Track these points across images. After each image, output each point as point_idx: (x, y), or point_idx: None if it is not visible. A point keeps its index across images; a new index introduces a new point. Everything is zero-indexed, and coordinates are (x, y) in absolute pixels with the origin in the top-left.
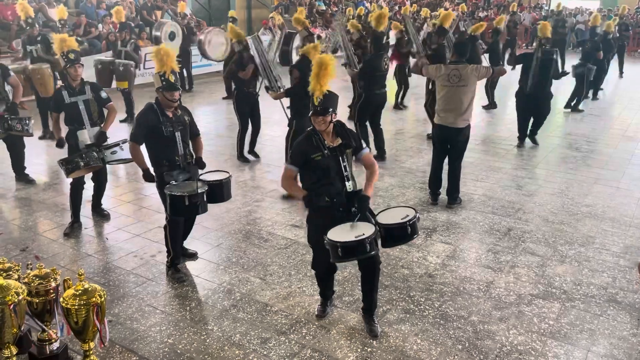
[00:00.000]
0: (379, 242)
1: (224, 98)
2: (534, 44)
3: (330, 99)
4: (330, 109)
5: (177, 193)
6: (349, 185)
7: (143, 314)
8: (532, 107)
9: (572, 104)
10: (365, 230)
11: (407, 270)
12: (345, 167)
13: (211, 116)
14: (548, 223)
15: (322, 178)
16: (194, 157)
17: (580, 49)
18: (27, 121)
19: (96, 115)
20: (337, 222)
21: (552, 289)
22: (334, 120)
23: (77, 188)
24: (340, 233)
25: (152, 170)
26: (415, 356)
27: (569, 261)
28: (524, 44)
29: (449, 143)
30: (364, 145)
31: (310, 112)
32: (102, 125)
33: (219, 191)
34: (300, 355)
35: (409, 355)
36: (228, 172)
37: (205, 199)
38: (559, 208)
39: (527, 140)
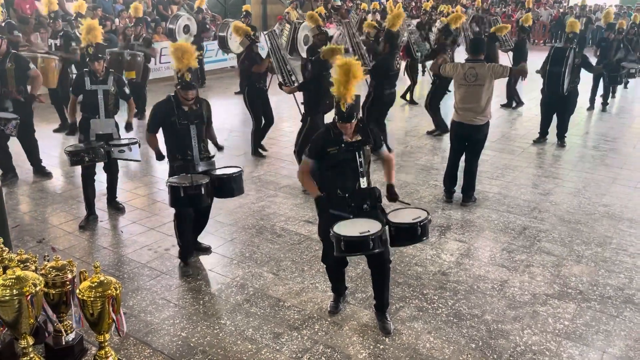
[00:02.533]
0: (388, 240)
1: (236, 93)
2: (560, 41)
3: (355, 103)
4: (356, 114)
5: (174, 184)
6: (362, 181)
7: (157, 307)
8: (558, 105)
9: (602, 102)
10: (371, 227)
11: (420, 267)
12: (360, 163)
13: (225, 111)
14: (564, 222)
15: (337, 172)
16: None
17: (598, 47)
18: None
19: (112, 107)
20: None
21: (568, 289)
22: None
23: (87, 180)
24: (348, 227)
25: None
26: (428, 354)
27: (585, 261)
28: (541, 42)
29: (466, 140)
30: (382, 143)
31: (337, 118)
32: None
33: (228, 185)
34: (312, 351)
35: (422, 353)
36: (240, 167)
37: (204, 192)
38: (575, 207)
39: (547, 138)
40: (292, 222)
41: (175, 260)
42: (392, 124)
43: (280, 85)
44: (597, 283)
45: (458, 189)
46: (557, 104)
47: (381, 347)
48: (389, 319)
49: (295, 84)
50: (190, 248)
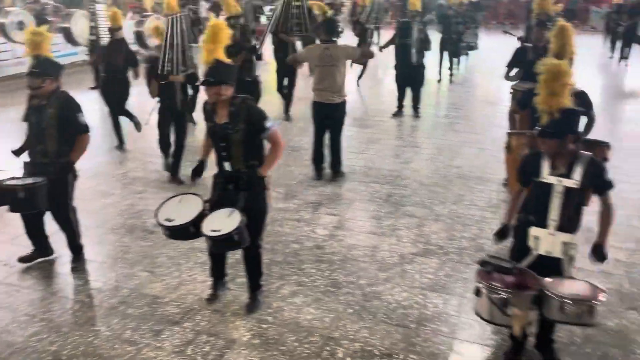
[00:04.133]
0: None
1: (91, 88)
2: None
3: (220, 70)
4: (217, 80)
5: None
6: (227, 165)
7: (19, 324)
8: (410, 78)
9: (449, 75)
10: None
11: (297, 245)
12: (223, 146)
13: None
14: (424, 186)
15: (215, 149)
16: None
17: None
18: None
19: None
20: (221, 198)
21: (430, 246)
22: (229, 94)
23: None
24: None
25: None
26: (309, 325)
27: (444, 219)
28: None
29: (327, 119)
30: (269, 124)
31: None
32: None
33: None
34: (195, 342)
35: (304, 326)
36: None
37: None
38: (432, 172)
39: (404, 111)
40: None
41: (36, 272)
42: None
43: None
44: (454, 237)
45: (327, 166)
46: (409, 78)
47: (264, 326)
48: (258, 298)
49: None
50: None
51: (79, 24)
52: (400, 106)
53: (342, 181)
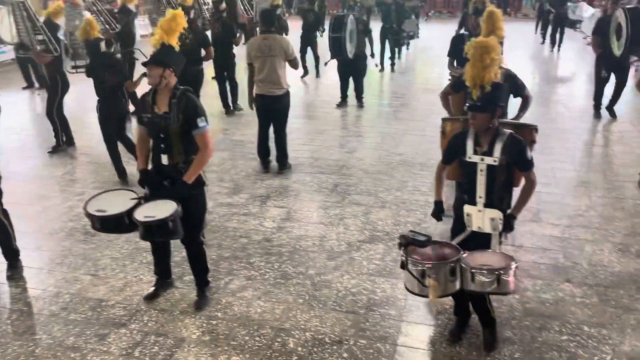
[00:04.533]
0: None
1: (24, 88)
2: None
3: (165, 52)
4: (159, 60)
5: None
6: (164, 158)
7: None
8: (350, 69)
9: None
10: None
11: (245, 239)
12: (162, 138)
13: (13, 110)
14: (369, 174)
15: (152, 141)
16: None
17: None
18: None
19: None
20: (156, 194)
21: (377, 232)
22: (172, 81)
23: None
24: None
25: None
26: (260, 318)
27: (389, 205)
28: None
29: (270, 111)
30: (201, 124)
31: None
32: None
33: None
34: (143, 343)
35: (254, 319)
36: None
37: None
38: (376, 160)
39: (348, 101)
40: None
41: None
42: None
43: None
44: (400, 222)
45: (273, 158)
46: (349, 68)
47: (214, 322)
48: (206, 295)
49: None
50: None
51: (4, 22)
52: (344, 96)
53: (288, 173)
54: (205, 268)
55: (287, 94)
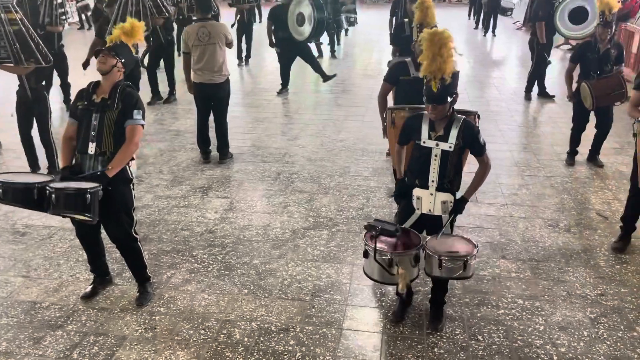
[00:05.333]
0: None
1: None
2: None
3: (122, 48)
4: (112, 52)
5: None
6: (91, 147)
7: None
8: (292, 55)
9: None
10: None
11: (187, 231)
12: (95, 126)
13: None
14: (311, 162)
15: (79, 131)
16: None
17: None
18: None
19: None
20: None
21: (320, 219)
22: (117, 74)
23: None
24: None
25: None
26: (204, 311)
27: (332, 192)
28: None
29: (211, 100)
30: (137, 116)
31: None
32: None
33: None
34: (82, 344)
35: (198, 312)
36: None
37: None
38: (319, 147)
39: (289, 88)
40: (39, 216)
41: None
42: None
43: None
44: (343, 208)
45: (213, 148)
46: (294, 53)
47: (157, 318)
48: (149, 290)
49: None
50: None
51: None
52: (285, 83)
53: (230, 163)
54: (143, 264)
55: (228, 81)
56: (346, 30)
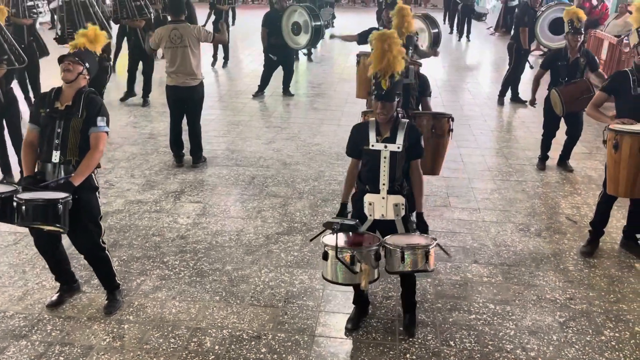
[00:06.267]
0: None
1: None
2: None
3: (87, 55)
4: (77, 59)
5: None
6: (55, 155)
7: None
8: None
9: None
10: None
11: (158, 237)
12: (59, 134)
13: None
14: (286, 166)
15: (40, 138)
16: None
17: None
18: None
19: None
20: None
21: (295, 223)
22: (82, 82)
23: None
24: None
25: None
26: (175, 319)
27: (306, 196)
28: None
29: (184, 103)
30: (101, 123)
31: None
32: None
33: None
34: (47, 354)
35: (169, 320)
36: None
37: None
38: (294, 150)
39: (265, 91)
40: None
41: None
42: (110, 95)
43: None
44: (317, 212)
45: (187, 152)
46: (275, 62)
47: (126, 326)
48: (118, 298)
49: None
50: None
51: None
52: (263, 87)
53: (204, 167)
54: (111, 272)
55: (202, 84)
56: (322, 34)
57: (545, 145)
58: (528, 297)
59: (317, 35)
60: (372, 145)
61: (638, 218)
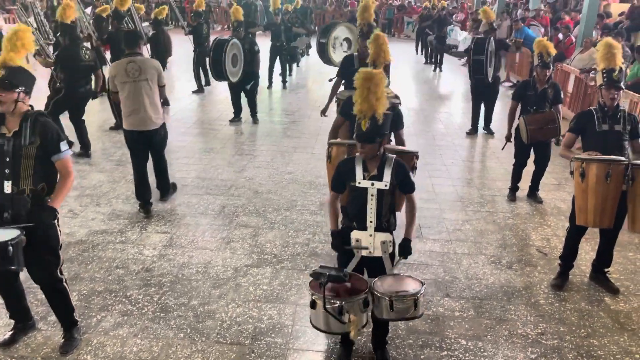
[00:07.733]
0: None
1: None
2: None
3: (17, 74)
4: (12, 85)
5: None
6: (7, 185)
7: None
8: (242, 86)
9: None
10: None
11: (122, 270)
12: (7, 162)
13: None
14: (258, 194)
15: None
16: None
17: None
18: None
19: None
20: None
21: (265, 255)
22: (24, 107)
23: None
24: None
25: None
26: (135, 358)
27: (278, 226)
28: (226, 25)
29: (146, 147)
30: (64, 147)
31: None
32: None
33: None
34: None
35: (130, 359)
36: None
37: None
38: (266, 179)
39: (242, 117)
40: None
41: None
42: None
43: None
44: (288, 244)
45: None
46: (239, 86)
47: None
48: (75, 336)
49: None
50: None
51: None
52: (237, 112)
53: (173, 195)
54: (69, 307)
55: (164, 125)
56: (298, 61)
57: (516, 175)
58: (500, 332)
59: (246, 79)
60: (359, 182)
61: (607, 255)
